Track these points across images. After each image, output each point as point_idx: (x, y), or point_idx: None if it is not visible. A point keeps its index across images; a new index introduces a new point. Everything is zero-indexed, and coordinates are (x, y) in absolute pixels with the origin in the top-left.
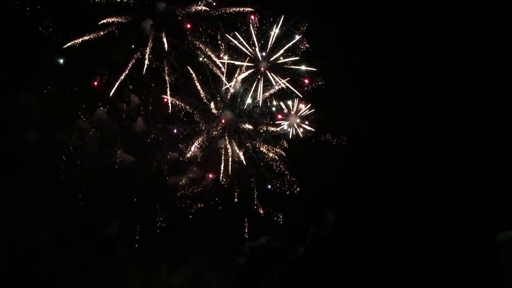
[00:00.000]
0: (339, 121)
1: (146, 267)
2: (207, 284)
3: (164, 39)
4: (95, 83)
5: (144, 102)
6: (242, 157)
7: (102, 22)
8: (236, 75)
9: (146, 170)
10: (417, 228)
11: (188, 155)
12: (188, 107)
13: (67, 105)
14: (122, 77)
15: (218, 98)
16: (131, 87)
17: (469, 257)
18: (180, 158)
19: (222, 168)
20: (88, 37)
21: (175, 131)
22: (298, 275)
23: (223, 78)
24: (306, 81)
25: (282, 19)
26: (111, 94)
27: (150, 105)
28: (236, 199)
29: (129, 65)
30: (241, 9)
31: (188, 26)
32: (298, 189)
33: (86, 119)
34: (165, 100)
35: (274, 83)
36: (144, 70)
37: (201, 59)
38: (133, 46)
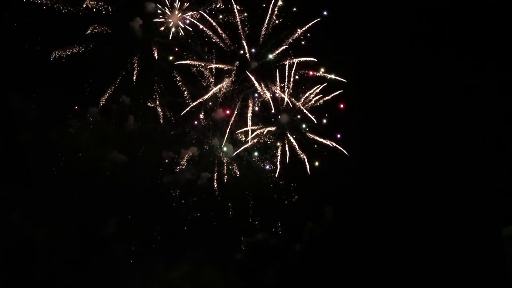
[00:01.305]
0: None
1: (143, 265)
2: (205, 280)
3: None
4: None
5: (135, 103)
6: (236, 169)
7: (91, 28)
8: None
9: (140, 170)
10: (420, 223)
11: (183, 160)
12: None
13: (59, 106)
14: (112, 88)
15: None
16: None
17: (474, 252)
18: (176, 170)
19: (215, 176)
20: (79, 42)
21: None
22: (295, 272)
23: (211, 86)
24: (342, 105)
25: None
26: (101, 104)
27: (141, 106)
28: (231, 211)
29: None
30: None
31: (176, 49)
32: (296, 197)
33: (78, 120)
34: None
35: (264, 92)
36: (135, 75)
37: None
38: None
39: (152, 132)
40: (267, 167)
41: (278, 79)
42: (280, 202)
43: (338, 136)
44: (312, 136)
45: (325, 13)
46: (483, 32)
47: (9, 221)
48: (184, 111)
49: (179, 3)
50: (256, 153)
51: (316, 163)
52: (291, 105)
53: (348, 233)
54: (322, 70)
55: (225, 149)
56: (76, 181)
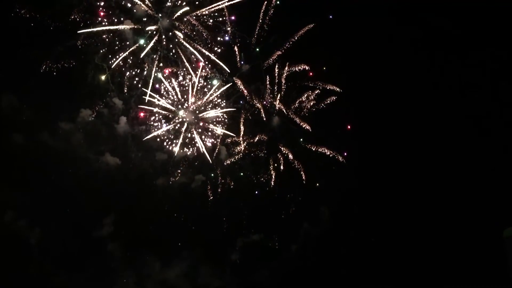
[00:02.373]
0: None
1: (138, 264)
2: (200, 280)
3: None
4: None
5: (127, 105)
6: (230, 181)
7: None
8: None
9: (133, 171)
10: (422, 224)
11: (177, 171)
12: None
13: (52, 108)
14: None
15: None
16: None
17: (475, 252)
18: (170, 182)
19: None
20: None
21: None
22: (290, 272)
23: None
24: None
25: None
26: (94, 115)
27: (132, 108)
28: (225, 225)
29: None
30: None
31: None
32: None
33: (71, 122)
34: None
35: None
36: (126, 84)
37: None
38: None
39: (145, 135)
40: (262, 179)
41: (268, 85)
42: (276, 214)
43: (345, 153)
44: (305, 144)
45: (330, 17)
46: (483, 33)
47: (3, 222)
48: (173, 120)
49: (170, 9)
50: (241, 174)
51: (317, 184)
52: (285, 111)
53: (344, 234)
54: (325, 68)
55: (212, 174)
56: (70, 182)
